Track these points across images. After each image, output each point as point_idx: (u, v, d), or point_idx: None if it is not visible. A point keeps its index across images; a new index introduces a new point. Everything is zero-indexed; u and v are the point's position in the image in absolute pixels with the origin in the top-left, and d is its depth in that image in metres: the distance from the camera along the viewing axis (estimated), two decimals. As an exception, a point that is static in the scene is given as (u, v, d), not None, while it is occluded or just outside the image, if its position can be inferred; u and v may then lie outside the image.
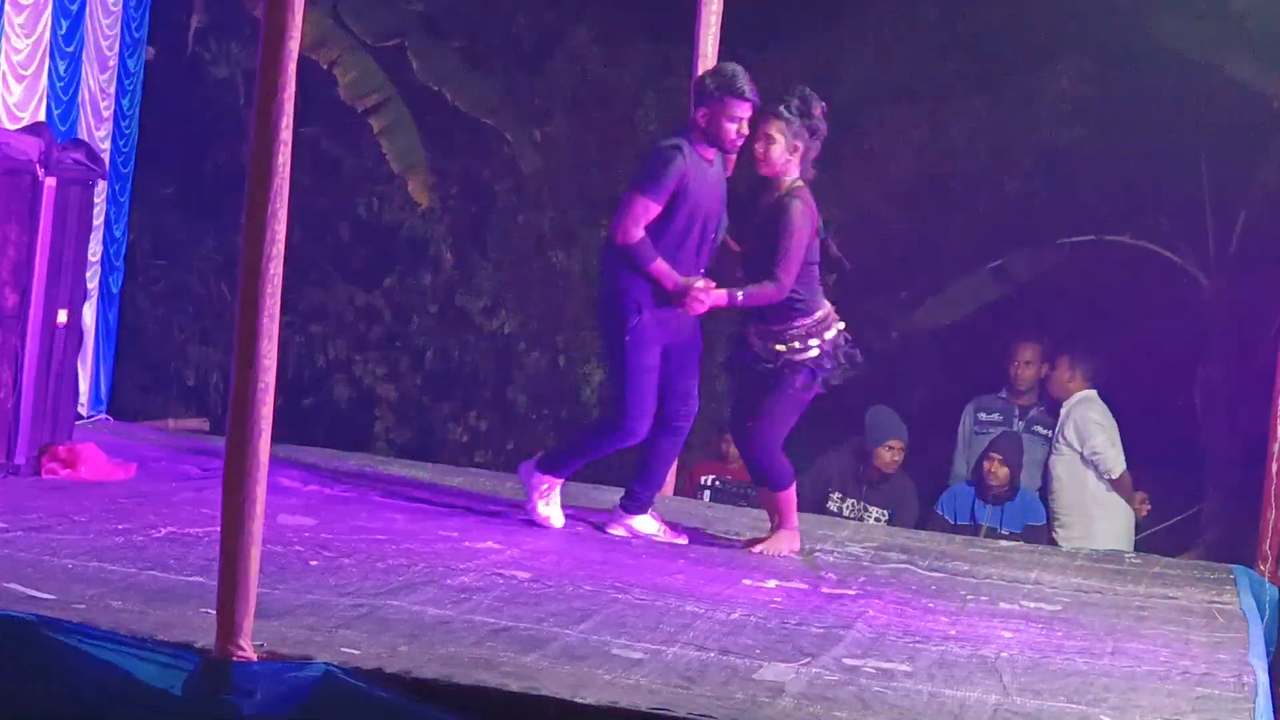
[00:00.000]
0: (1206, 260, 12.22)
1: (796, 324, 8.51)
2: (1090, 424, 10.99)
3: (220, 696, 5.48)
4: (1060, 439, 11.04)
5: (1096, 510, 11.02)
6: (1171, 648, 7.23)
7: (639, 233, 8.35)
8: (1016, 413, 11.23)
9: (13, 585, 6.17)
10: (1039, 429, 11.18)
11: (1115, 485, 11.04)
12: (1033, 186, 12.79)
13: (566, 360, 13.16)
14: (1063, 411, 11.08)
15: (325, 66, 12.21)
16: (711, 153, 8.47)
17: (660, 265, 8.36)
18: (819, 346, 8.53)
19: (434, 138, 12.90)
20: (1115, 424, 11.07)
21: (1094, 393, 11.07)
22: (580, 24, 13.34)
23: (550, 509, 8.68)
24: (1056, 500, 11.05)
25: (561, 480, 8.70)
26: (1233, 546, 10.87)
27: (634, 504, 8.73)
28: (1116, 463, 11.00)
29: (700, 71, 9.21)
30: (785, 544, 8.65)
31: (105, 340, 10.79)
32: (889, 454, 10.95)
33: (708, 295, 8.38)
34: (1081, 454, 11.00)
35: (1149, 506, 11.33)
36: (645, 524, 8.71)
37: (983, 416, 11.29)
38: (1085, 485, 11.04)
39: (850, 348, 8.61)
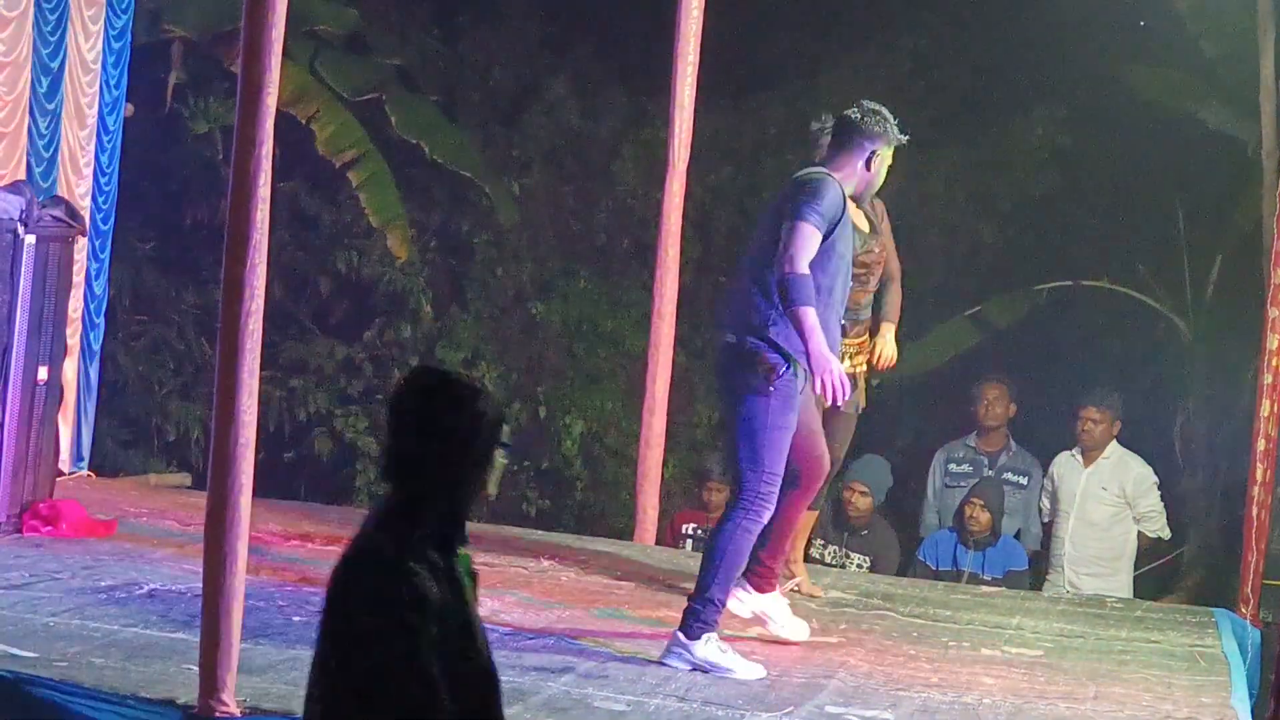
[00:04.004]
0: (1184, 305, 12.26)
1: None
2: (1147, 483, 10.86)
3: (203, 752, 5.48)
4: (1113, 489, 10.82)
5: (1128, 564, 10.93)
6: (1154, 692, 7.23)
7: (805, 267, 6.85)
8: (986, 461, 11.17)
9: (-6, 643, 6.17)
10: (1010, 476, 11.10)
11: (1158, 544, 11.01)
12: (1010, 234, 12.83)
13: (547, 412, 13.16)
14: (1106, 461, 10.83)
15: (303, 121, 12.24)
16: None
17: (814, 316, 6.81)
18: None
19: (412, 191, 12.93)
20: None
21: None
22: (557, 76, 13.38)
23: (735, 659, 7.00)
24: (1085, 548, 10.82)
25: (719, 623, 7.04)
26: (1214, 590, 10.88)
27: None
28: (1163, 524, 10.95)
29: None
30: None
31: (86, 396, 10.77)
32: (851, 496, 10.89)
33: (846, 388, 6.92)
34: (1132, 511, 10.88)
35: None
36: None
37: (953, 468, 11.23)
38: (1129, 539, 10.90)
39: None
